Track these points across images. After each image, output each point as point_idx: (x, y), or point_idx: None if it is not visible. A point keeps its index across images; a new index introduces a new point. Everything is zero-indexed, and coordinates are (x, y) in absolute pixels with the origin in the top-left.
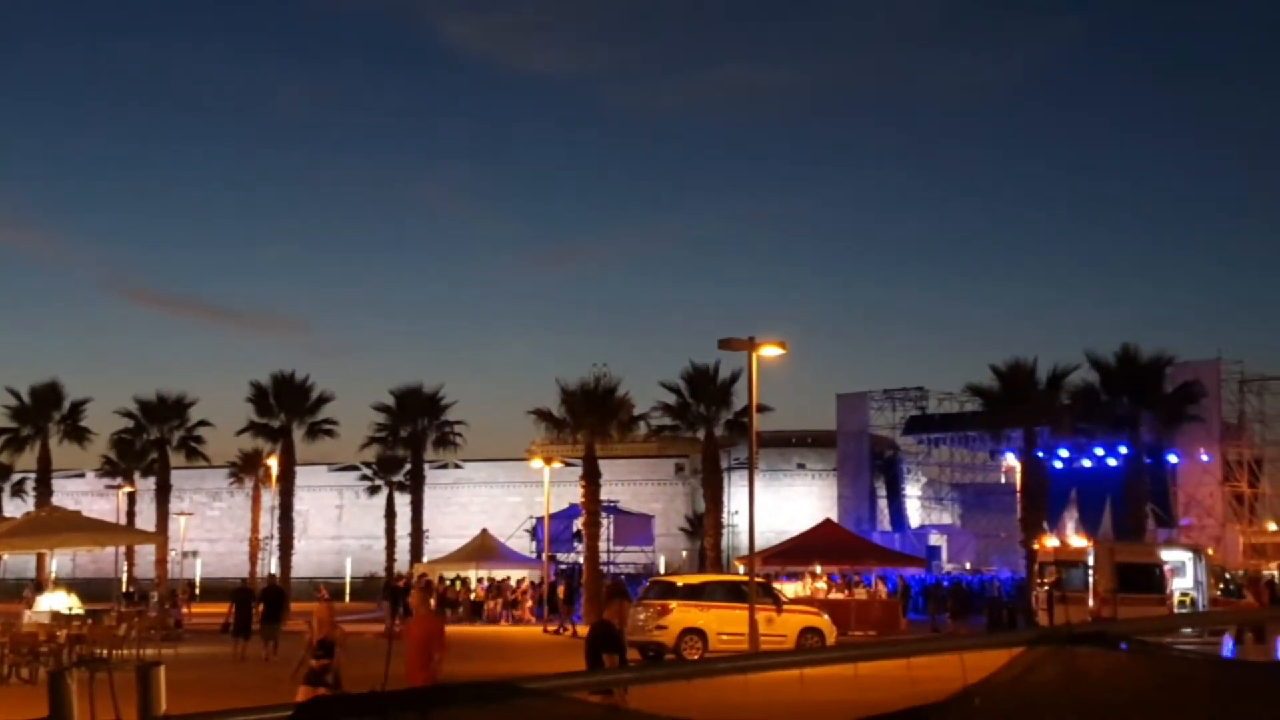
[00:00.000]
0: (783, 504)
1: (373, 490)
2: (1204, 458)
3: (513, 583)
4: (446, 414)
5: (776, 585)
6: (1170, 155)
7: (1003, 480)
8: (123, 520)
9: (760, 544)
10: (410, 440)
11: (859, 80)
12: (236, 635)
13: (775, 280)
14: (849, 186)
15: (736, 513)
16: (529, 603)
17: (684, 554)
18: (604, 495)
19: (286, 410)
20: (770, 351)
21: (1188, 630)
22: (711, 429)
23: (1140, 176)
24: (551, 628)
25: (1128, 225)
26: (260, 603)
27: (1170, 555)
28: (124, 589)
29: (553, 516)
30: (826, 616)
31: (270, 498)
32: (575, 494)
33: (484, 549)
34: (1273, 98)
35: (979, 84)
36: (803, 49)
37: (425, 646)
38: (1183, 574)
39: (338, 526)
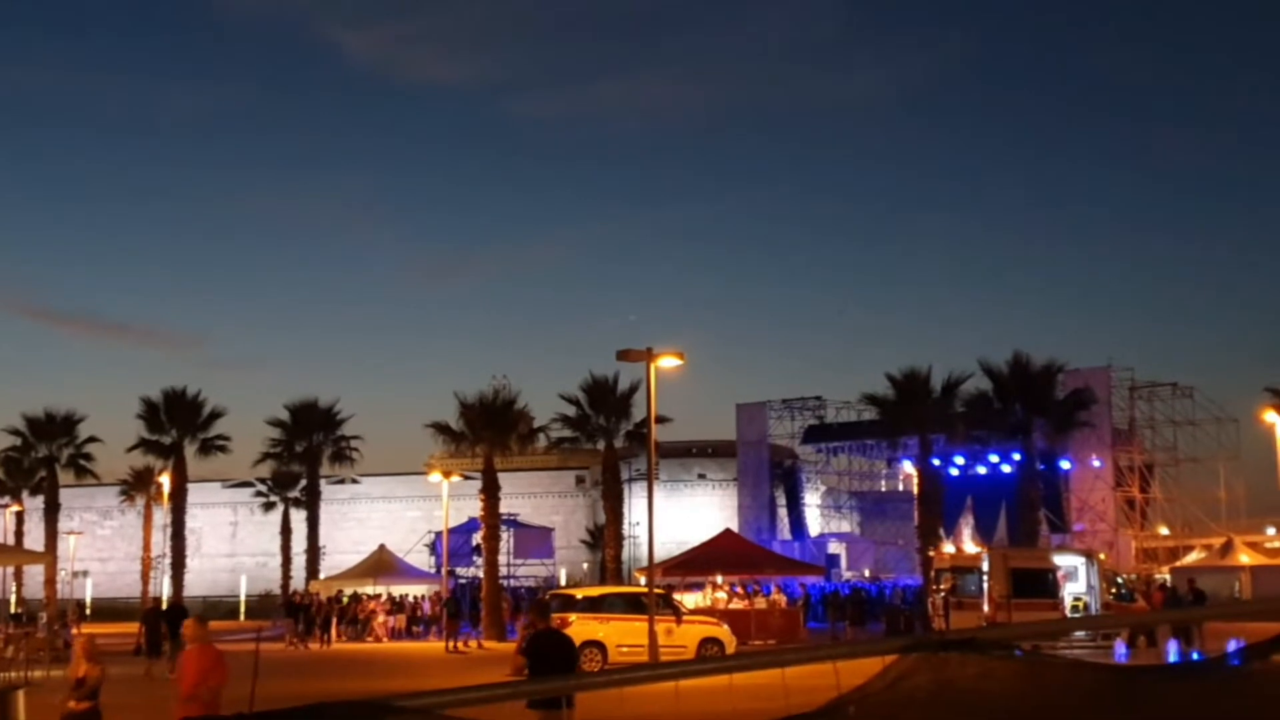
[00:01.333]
0: (684, 514)
1: (268, 507)
2: (1096, 464)
3: (411, 598)
4: (343, 428)
5: (677, 596)
6: (1059, 165)
7: (900, 488)
8: (10, 540)
9: (662, 555)
10: (306, 455)
11: (755, 92)
12: (149, 655)
13: (674, 291)
14: (745, 197)
15: (638, 524)
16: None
17: (585, 566)
18: (504, 508)
19: (178, 426)
20: (669, 363)
21: (1081, 634)
22: (611, 440)
23: (1030, 185)
24: (463, 644)
25: (1020, 234)
26: (164, 622)
27: (1063, 560)
28: (12, 610)
29: (452, 531)
30: (726, 627)
31: (162, 515)
32: (475, 507)
33: (382, 565)
34: (1159, 107)
35: (871, 95)
36: (700, 62)
37: (200, 676)
38: (1075, 579)
39: (232, 544)
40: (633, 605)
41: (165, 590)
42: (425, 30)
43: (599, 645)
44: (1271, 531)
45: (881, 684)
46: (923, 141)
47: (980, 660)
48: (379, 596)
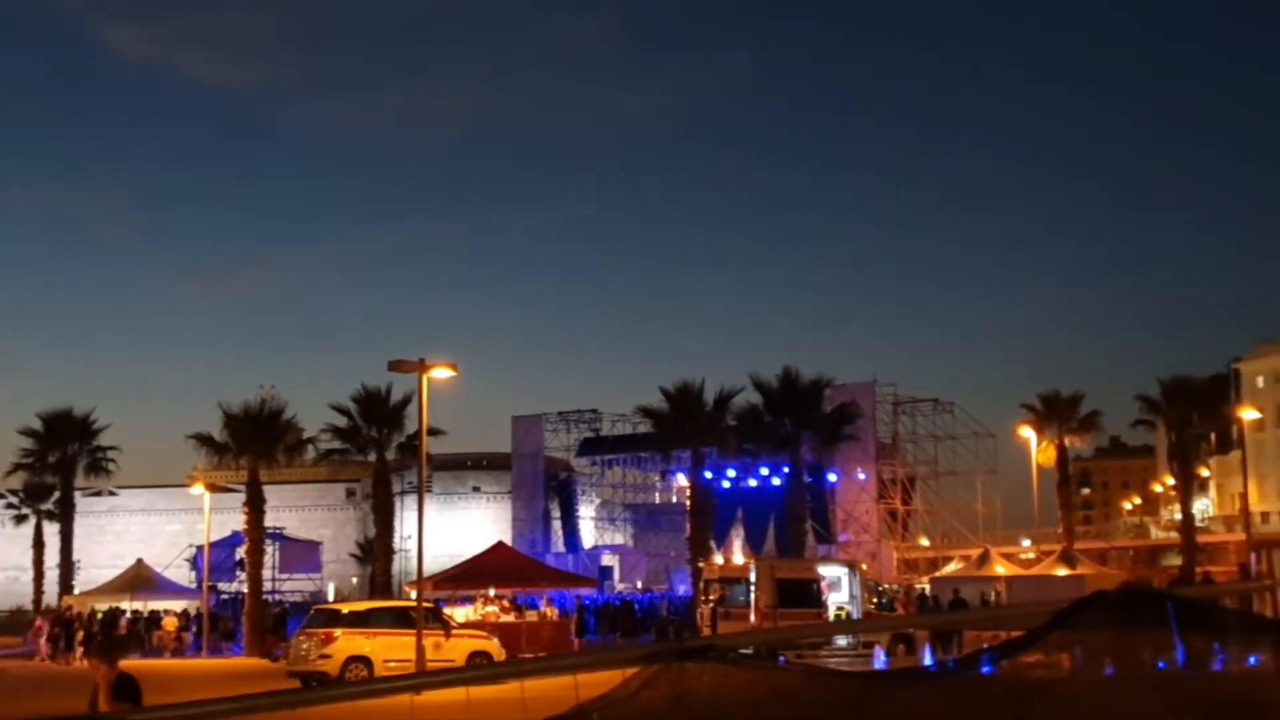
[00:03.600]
0: (458, 527)
1: (19, 519)
2: (861, 476)
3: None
4: (99, 438)
5: (448, 610)
6: (830, 183)
7: (674, 500)
8: None
9: (435, 568)
10: (60, 466)
11: (533, 105)
12: None
13: (450, 302)
14: (520, 210)
15: (409, 537)
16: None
17: (355, 581)
18: (270, 521)
19: None
20: (441, 373)
21: (842, 642)
22: (383, 452)
23: (800, 202)
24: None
25: (793, 251)
26: None
27: (827, 571)
28: None
29: (214, 545)
30: (496, 640)
31: None
32: (239, 521)
33: (139, 579)
34: (928, 128)
35: (650, 112)
36: (479, 74)
37: None
38: (839, 589)
39: None
40: (401, 620)
41: None
42: (197, 31)
43: (365, 661)
44: (1026, 543)
45: (622, 694)
46: (698, 157)
47: (718, 669)
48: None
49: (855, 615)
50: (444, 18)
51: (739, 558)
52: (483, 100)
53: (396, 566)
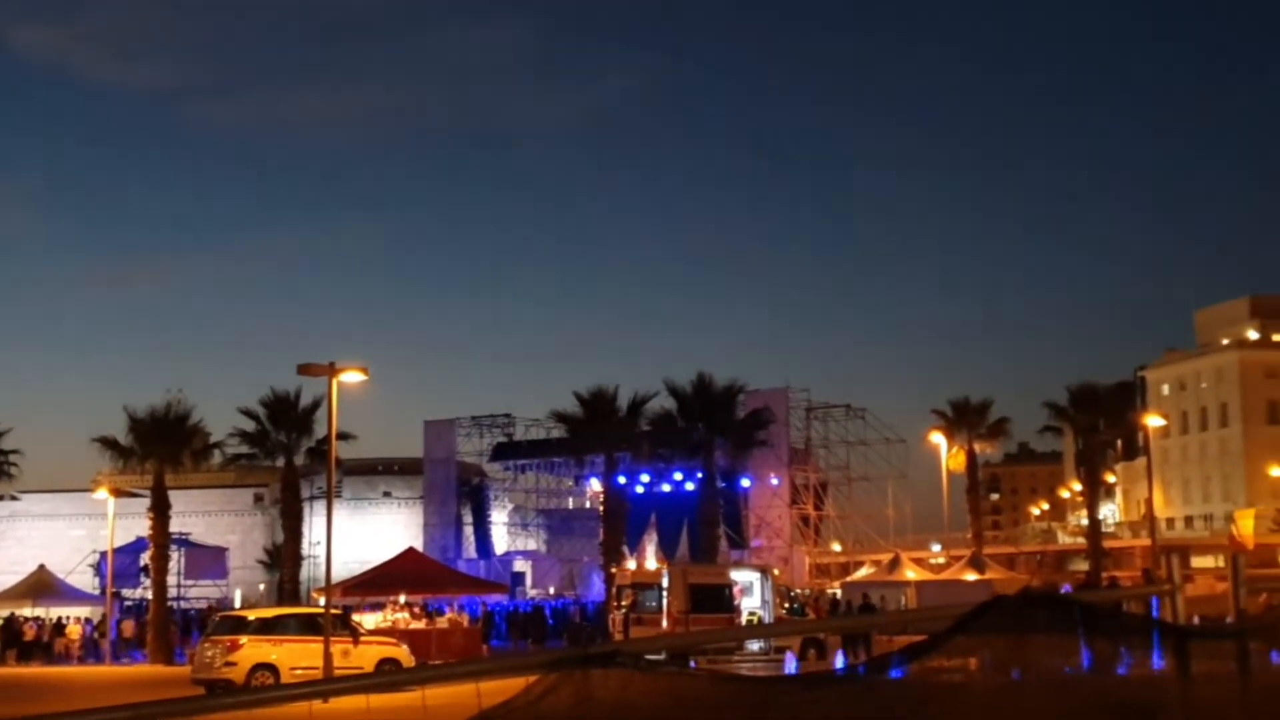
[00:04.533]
0: (368, 533)
1: None
2: (774, 481)
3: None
4: (1, 443)
5: (357, 616)
6: (741, 188)
7: (587, 505)
8: None
9: (345, 574)
10: None
11: (445, 105)
12: None
13: (361, 306)
14: (432, 212)
15: (318, 543)
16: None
17: (262, 587)
18: (176, 527)
19: None
20: (352, 377)
21: (755, 647)
22: (291, 457)
23: (712, 208)
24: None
25: (705, 257)
26: None
27: (740, 576)
28: None
29: (119, 550)
30: (405, 647)
31: None
32: (144, 526)
33: (41, 585)
34: (841, 136)
35: (563, 112)
36: (389, 73)
37: None
38: (751, 594)
39: None
40: (308, 626)
41: None
42: (103, 28)
43: (271, 668)
44: (936, 548)
45: (524, 701)
46: (608, 162)
47: (621, 674)
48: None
49: (767, 620)
50: (352, 22)
51: (652, 563)
52: (391, 104)
53: (305, 573)
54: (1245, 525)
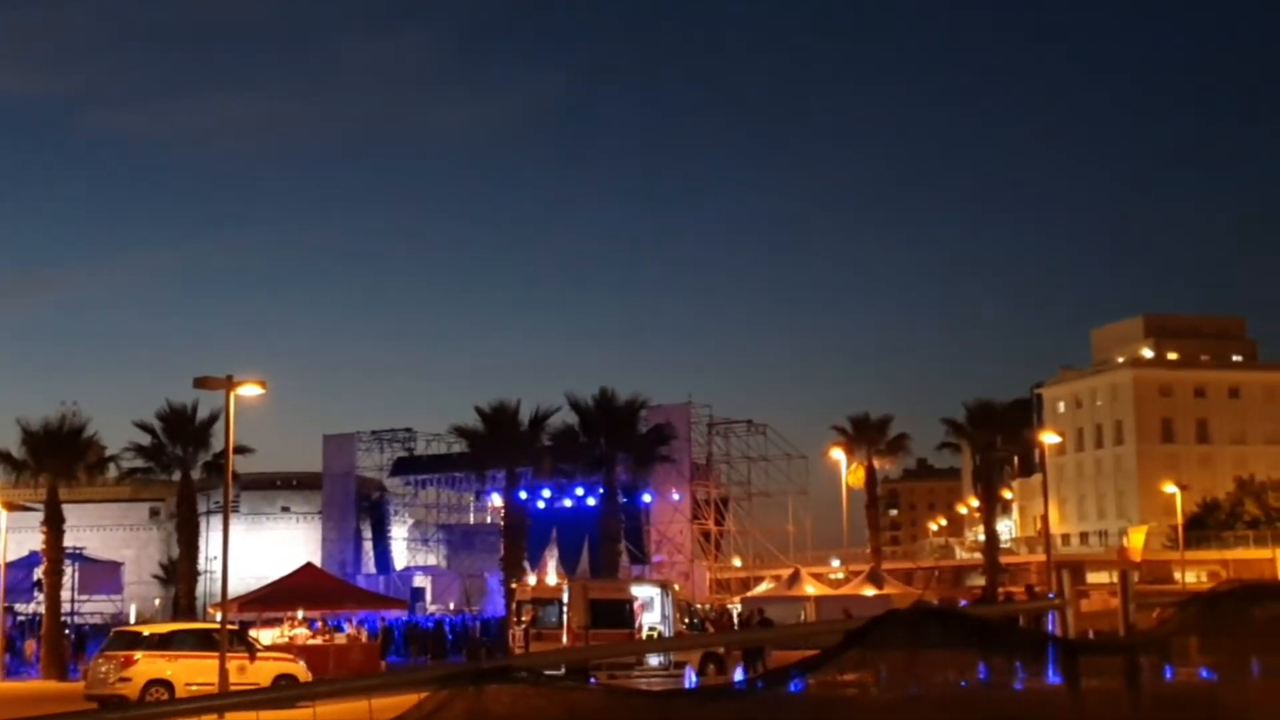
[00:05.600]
0: (266, 548)
1: None
2: (675, 497)
3: None
4: None
5: (254, 632)
6: (646, 204)
7: (488, 520)
8: None
9: (242, 589)
10: None
11: (341, 118)
12: None
13: (259, 319)
14: (333, 224)
15: (215, 558)
16: None
17: (158, 602)
18: (70, 541)
19: None
20: (249, 390)
21: (655, 662)
22: (188, 471)
23: (619, 228)
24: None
25: (608, 273)
26: None
27: (640, 591)
28: None
29: (11, 565)
30: (302, 663)
31: None
32: (37, 540)
33: None
34: (747, 154)
35: (472, 124)
36: (285, 84)
37: None
38: (652, 609)
39: None
40: (204, 642)
41: None
42: None
43: (166, 684)
44: (836, 563)
45: (416, 715)
46: (511, 176)
47: (516, 689)
48: None
49: (667, 635)
50: (247, 32)
51: (552, 578)
52: (288, 115)
53: (201, 588)
54: (1136, 541)
